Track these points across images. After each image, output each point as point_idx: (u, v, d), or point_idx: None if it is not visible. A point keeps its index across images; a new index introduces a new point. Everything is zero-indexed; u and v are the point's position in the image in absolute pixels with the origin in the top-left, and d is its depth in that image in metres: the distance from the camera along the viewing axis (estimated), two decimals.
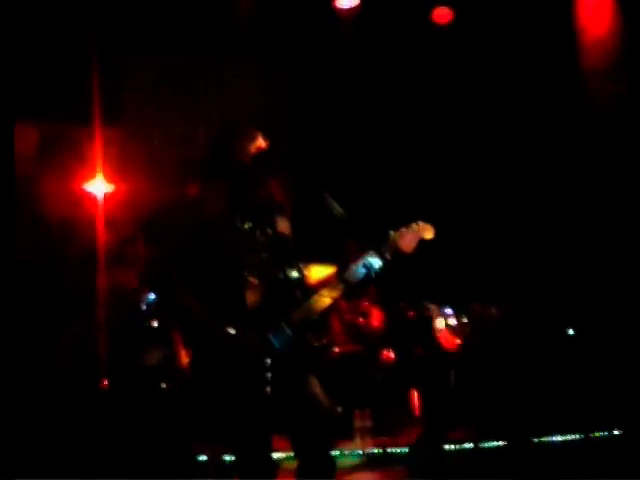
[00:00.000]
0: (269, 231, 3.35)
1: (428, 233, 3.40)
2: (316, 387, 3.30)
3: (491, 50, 7.72)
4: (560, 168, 7.66)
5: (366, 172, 8.13)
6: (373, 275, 3.34)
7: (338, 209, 3.37)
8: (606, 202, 7.33)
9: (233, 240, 3.27)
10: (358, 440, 6.21)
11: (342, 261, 3.37)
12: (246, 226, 3.32)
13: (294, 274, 3.36)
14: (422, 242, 3.37)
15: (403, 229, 3.37)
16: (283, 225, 3.42)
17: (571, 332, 6.44)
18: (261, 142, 3.37)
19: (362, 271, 3.33)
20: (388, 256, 3.35)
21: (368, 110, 8.24)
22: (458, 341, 6.27)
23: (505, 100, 7.74)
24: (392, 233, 3.37)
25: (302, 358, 3.29)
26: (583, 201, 7.50)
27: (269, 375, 3.18)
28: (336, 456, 5.55)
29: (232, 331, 3.16)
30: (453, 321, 6.46)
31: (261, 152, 3.35)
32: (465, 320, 6.45)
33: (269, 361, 3.20)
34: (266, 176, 3.37)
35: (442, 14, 8.14)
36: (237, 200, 3.32)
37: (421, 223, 3.40)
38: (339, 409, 6.10)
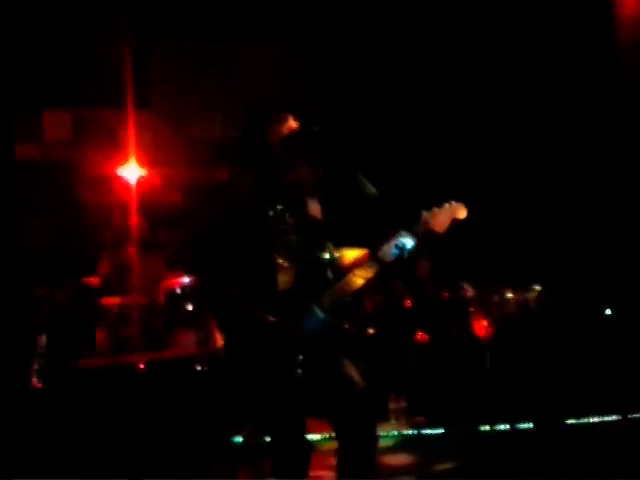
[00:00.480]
0: (300, 214, 3.35)
1: (461, 213, 3.34)
2: (350, 369, 3.30)
3: (524, 28, 7.58)
4: (594, 148, 7.52)
5: (399, 152, 8.07)
6: (406, 255, 3.32)
7: (372, 189, 3.34)
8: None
9: (263, 223, 3.27)
10: (393, 421, 6.22)
11: (375, 242, 3.36)
12: (277, 209, 3.31)
13: (325, 256, 3.37)
14: (456, 222, 3.35)
15: (435, 209, 3.33)
16: (314, 207, 3.42)
17: (609, 312, 6.35)
18: (292, 124, 3.34)
19: (395, 252, 3.30)
20: (420, 235, 3.32)
21: (398, 89, 8.16)
22: (489, 328, 6.20)
23: (538, 79, 7.60)
24: (424, 213, 3.34)
25: (335, 340, 3.31)
26: (615, 182, 7.37)
27: (301, 357, 3.20)
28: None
29: (270, 317, 3.18)
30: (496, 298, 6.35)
31: (292, 134, 3.32)
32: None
33: (301, 344, 3.22)
34: (297, 158, 3.36)
35: None
36: (268, 183, 3.32)
37: (454, 202, 3.35)
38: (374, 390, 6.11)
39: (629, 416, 6.01)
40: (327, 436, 5.00)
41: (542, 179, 7.73)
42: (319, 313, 3.26)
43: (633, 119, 7.29)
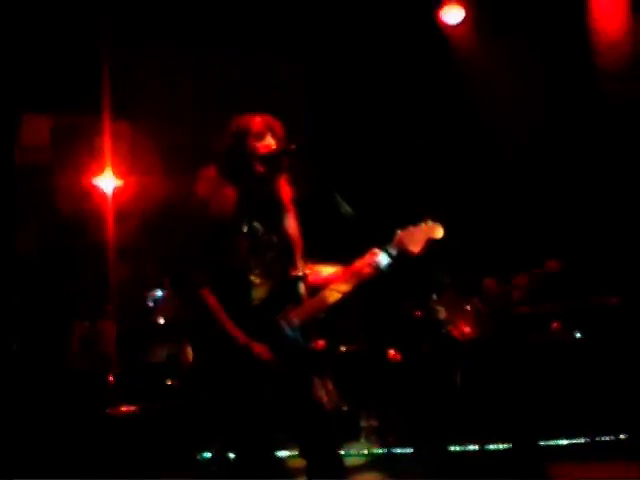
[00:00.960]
0: (275, 230, 3.34)
1: (437, 233, 3.32)
2: (318, 390, 3.29)
3: (503, 51, 7.65)
4: (574, 170, 7.62)
5: (380, 167, 8.10)
6: (382, 272, 3.32)
7: (347, 209, 3.34)
8: (618, 203, 7.29)
9: (238, 240, 3.26)
10: (364, 440, 6.20)
11: (351, 259, 3.35)
12: (253, 225, 3.30)
13: (299, 274, 3.36)
14: (432, 241, 3.34)
15: (411, 227, 3.32)
16: (290, 225, 3.40)
17: (578, 335, 6.40)
18: (270, 141, 3.34)
19: (370, 270, 3.30)
20: (394, 254, 3.31)
21: (382, 106, 8.19)
22: (469, 330, 6.20)
23: (521, 99, 7.67)
24: (399, 232, 3.32)
25: (304, 359, 3.30)
26: (594, 201, 7.46)
27: (268, 378, 3.19)
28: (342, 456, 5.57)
29: (241, 339, 3.16)
30: (467, 307, 6.37)
31: (270, 152, 3.31)
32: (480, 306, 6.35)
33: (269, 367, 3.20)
34: (274, 176, 3.35)
35: (452, 13, 8.08)
36: (245, 200, 3.30)
37: (430, 222, 3.34)
38: (345, 408, 6.10)
39: (596, 439, 6.07)
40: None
41: (517, 189, 7.81)
42: (289, 330, 3.26)
43: (615, 141, 7.40)
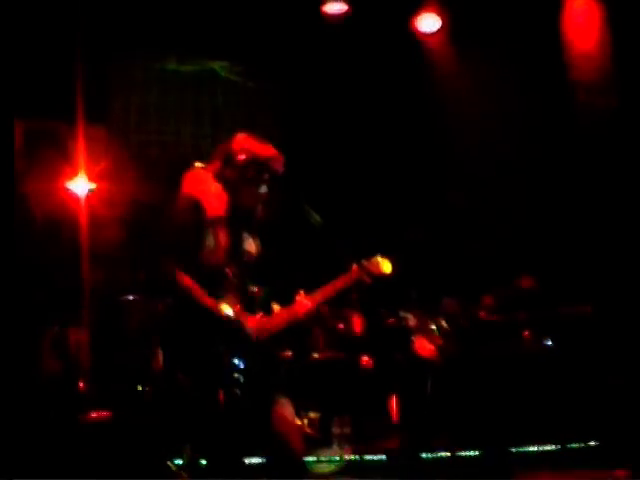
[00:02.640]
0: (241, 247, 3.43)
1: (387, 268, 3.50)
2: (284, 407, 3.34)
3: (477, 62, 7.72)
4: (544, 180, 7.70)
5: (352, 182, 8.15)
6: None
7: (316, 217, 3.41)
8: (591, 212, 7.37)
9: (223, 237, 3.35)
10: (336, 447, 6.20)
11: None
12: (240, 232, 3.42)
13: (253, 290, 3.43)
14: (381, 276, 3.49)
15: (364, 261, 3.48)
16: (258, 243, 3.51)
17: (549, 343, 6.46)
18: (265, 175, 3.41)
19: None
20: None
21: (354, 118, 8.24)
22: (433, 348, 6.23)
23: (492, 112, 7.73)
24: (354, 265, 3.47)
25: (268, 374, 3.35)
26: (567, 212, 7.54)
27: (239, 377, 3.22)
28: (313, 462, 5.59)
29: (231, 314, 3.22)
30: (432, 326, 6.42)
31: (264, 182, 3.41)
32: (445, 325, 6.42)
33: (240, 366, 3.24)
34: (258, 202, 3.45)
35: (428, 22, 8.14)
36: (233, 211, 3.40)
37: (379, 258, 3.51)
38: (316, 415, 6.12)
39: (567, 445, 6.13)
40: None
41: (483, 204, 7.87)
42: (250, 347, 3.30)
43: (588, 153, 7.49)
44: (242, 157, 3.42)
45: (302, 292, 3.52)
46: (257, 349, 3.29)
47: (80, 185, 7.38)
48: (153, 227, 3.70)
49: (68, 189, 7.42)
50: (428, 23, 8.20)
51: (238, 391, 3.21)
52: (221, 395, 3.20)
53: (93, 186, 7.44)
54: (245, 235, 3.45)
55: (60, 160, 7.74)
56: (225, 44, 8.05)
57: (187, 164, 3.49)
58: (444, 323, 6.07)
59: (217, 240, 3.33)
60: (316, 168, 7.77)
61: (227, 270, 3.32)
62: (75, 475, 4.85)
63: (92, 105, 7.58)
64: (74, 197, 7.37)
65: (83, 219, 7.28)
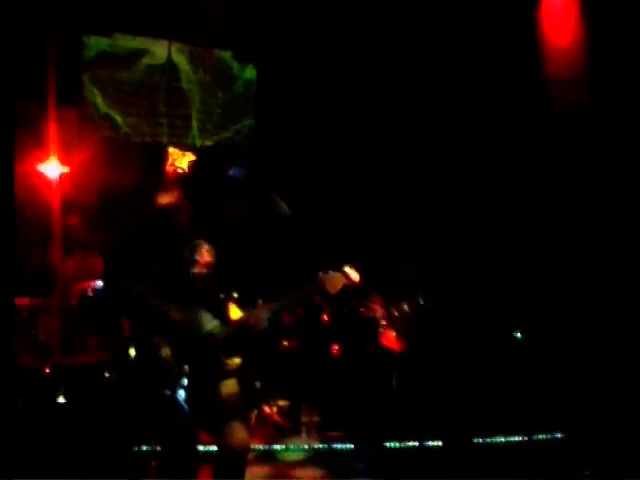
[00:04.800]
0: (221, 254, 3.63)
1: (353, 277, 3.72)
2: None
3: (452, 57, 7.71)
4: (518, 176, 7.72)
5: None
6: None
7: (284, 207, 3.47)
8: (562, 209, 7.42)
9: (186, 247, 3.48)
10: (304, 435, 6.22)
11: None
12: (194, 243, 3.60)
13: (233, 295, 3.53)
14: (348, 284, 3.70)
15: (331, 272, 3.68)
16: (208, 251, 3.68)
17: (519, 335, 6.51)
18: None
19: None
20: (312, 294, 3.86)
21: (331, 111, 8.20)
22: (396, 338, 6.23)
23: (467, 108, 7.73)
24: (320, 274, 3.68)
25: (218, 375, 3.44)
26: (538, 208, 7.57)
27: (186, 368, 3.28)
28: (281, 450, 5.64)
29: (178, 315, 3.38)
30: (395, 313, 6.38)
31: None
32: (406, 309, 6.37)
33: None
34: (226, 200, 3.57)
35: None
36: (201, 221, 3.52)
37: (347, 268, 3.72)
38: (285, 404, 6.15)
39: (533, 437, 6.19)
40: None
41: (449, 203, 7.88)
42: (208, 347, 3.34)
43: (563, 148, 7.52)
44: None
45: (260, 302, 3.62)
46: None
47: (52, 168, 7.28)
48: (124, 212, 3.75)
49: (39, 172, 7.32)
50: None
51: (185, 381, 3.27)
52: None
53: (65, 169, 7.35)
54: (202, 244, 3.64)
55: (31, 142, 7.63)
56: (194, 27, 7.98)
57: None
58: (406, 307, 6.07)
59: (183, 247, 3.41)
60: (288, 163, 7.76)
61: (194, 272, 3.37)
62: (39, 464, 4.83)
63: (64, 86, 7.47)
64: (45, 180, 7.27)
65: (55, 203, 7.18)
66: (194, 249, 3.54)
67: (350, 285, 3.72)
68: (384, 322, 5.50)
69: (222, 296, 3.55)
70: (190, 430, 3.40)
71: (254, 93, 8.49)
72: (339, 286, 3.69)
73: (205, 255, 3.57)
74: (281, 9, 7.89)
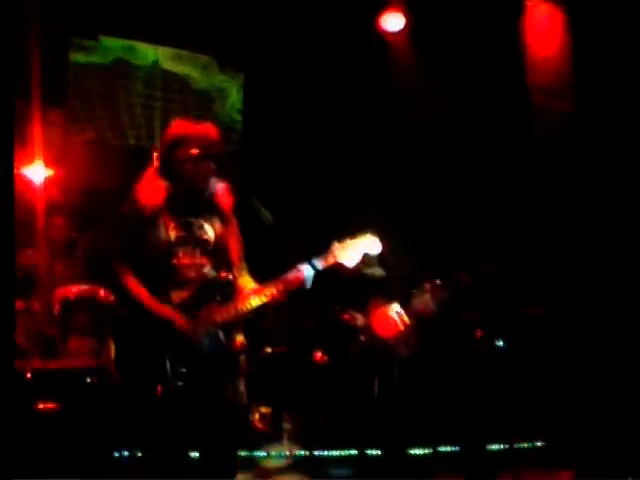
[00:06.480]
0: (209, 232, 3.43)
1: (375, 247, 3.31)
2: (231, 393, 3.35)
3: (436, 65, 7.73)
4: (500, 186, 7.75)
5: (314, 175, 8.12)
6: (306, 286, 3.37)
7: (266, 215, 3.42)
8: (545, 217, 7.45)
9: (164, 229, 3.36)
10: (286, 442, 6.21)
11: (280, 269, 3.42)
12: (188, 220, 3.40)
13: (228, 277, 3.38)
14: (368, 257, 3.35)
15: (348, 240, 3.33)
16: (224, 230, 3.47)
17: (501, 344, 6.52)
18: (194, 150, 3.40)
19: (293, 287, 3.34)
20: (320, 267, 3.35)
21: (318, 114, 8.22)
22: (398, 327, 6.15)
23: (448, 114, 7.76)
24: (335, 244, 3.34)
25: (222, 360, 3.33)
26: (522, 216, 7.60)
27: (183, 370, 3.23)
28: (263, 457, 5.62)
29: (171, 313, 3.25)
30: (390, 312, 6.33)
31: (196, 157, 3.40)
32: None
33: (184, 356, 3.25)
34: (203, 178, 3.43)
35: (393, 21, 8.13)
36: (175, 196, 3.41)
37: (369, 235, 3.34)
38: (267, 410, 6.13)
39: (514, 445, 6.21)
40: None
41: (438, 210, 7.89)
42: (210, 331, 3.30)
43: (544, 157, 7.56)
44: (171, 139, 3.42)
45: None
46: (198, 349, 3.29)
47: (36, 171, 7.23)
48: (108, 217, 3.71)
49: (23, 175, 7.26)
50: (392, 22, 8.19)
51: (180, 383, 3.22)
52: (159, 390, 3.21)
53: (50, 172, 7.30)
54: (199, 221, 3.42)
55: (16, 143, 7.57)
56: (183, 31, 7.97)
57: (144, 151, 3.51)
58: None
59: (159, 233, 3.32)
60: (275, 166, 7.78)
61: (174, 262, 3.31)
62: (19, 468, 4.78)
63: (50, 88, 7.42)
64: (29, 184, 7.22)
65: (39, 206, 7.13)
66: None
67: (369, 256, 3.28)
68: (364, 331, 5.43)
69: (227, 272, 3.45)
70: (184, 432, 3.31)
71: (241, 100, 8.52)
72: (358, 257, 3.24)
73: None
74: (269, 16, 7.90)
